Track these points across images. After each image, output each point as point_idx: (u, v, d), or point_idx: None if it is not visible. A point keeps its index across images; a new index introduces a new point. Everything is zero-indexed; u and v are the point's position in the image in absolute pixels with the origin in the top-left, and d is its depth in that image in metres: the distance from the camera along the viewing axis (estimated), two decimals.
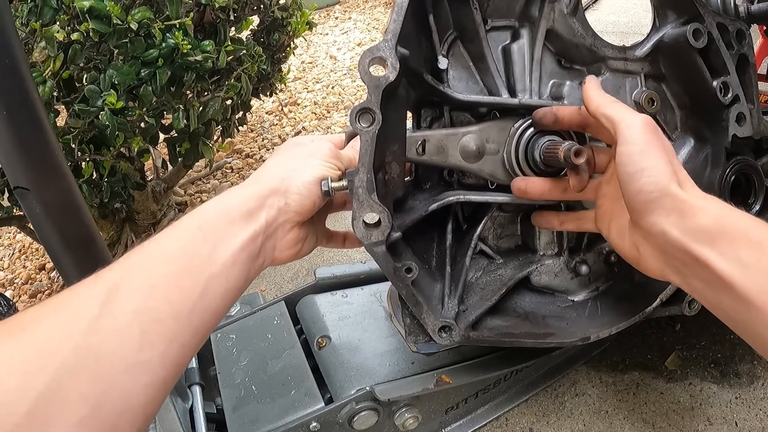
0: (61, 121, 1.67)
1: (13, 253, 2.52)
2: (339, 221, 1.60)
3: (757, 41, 1.94)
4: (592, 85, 0.71)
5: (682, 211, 0.59)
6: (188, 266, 0.53)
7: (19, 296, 2.21)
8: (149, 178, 2.21)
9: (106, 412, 0.44)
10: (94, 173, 1.75)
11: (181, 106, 1.80)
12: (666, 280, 0.67)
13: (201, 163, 2.32)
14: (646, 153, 0.61)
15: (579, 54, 0.88)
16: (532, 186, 0.79)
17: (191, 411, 1.00)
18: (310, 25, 2.49)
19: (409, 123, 0.83)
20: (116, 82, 1.57)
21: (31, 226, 1.36)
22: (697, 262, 0.57)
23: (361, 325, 1.12)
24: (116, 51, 1.58)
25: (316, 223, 0.75)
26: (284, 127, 3.14)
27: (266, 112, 3.34)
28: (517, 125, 0.81)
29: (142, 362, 0.47)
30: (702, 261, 0.56)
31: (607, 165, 0.74)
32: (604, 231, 0.74)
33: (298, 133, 3.04)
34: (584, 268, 0.93)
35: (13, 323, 0.45)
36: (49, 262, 2.32)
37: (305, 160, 0.68)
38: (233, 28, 2.04)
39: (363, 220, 0.69)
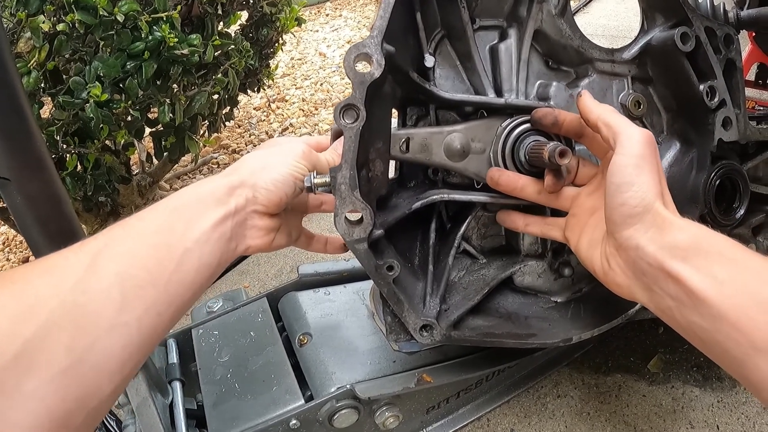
0: (46, 113, 1.66)
1: None
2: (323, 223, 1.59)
3: (746, 47, 1.95)
4: (588, 96, 0.72)
5: (660, 227, 0.59)
6: (165, 240, 0.57)
7: None
8: (135, 172, 2.20)
9: (88, 366, 0.47)
10: (78, 166, 1.74)
11: (167, 99, 1.79)
12: (632, 299, 0.66)
13: (187, 157, 2.31)
14: (640, 168, 0.62)
15: (566, 55, 0.87)
16: (506, 178, 0.79)
17: (171, 407, 0.99)
18: (300, 22, 2.48)
19: (394, 121, 0.82)
20: (102, 75, 1.56)
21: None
22: (669, 278, 0.57)
23: (343, 323, 1.11)
24: (102, 43, 1.56)
25: (291, 220, 0.77)
26: (271, 123, 3.12)
27: (254, 108, 3.32)
28: (504, 125, 0.81)
29: (121, 323, 0.50)
30: (675, 276, 0.56)
31: (590, 178, 0.76)
32: (573, 241, 0.75)
33: (285, 130, 3.03)
34: (567, 270, 0.93)
35: (4, 277, 0.48)
36: (32, 255, 2.30)
37: (277, 158, 0.70)
38: (221, 23, 2.03)
39: (345, 217, 0.69)
